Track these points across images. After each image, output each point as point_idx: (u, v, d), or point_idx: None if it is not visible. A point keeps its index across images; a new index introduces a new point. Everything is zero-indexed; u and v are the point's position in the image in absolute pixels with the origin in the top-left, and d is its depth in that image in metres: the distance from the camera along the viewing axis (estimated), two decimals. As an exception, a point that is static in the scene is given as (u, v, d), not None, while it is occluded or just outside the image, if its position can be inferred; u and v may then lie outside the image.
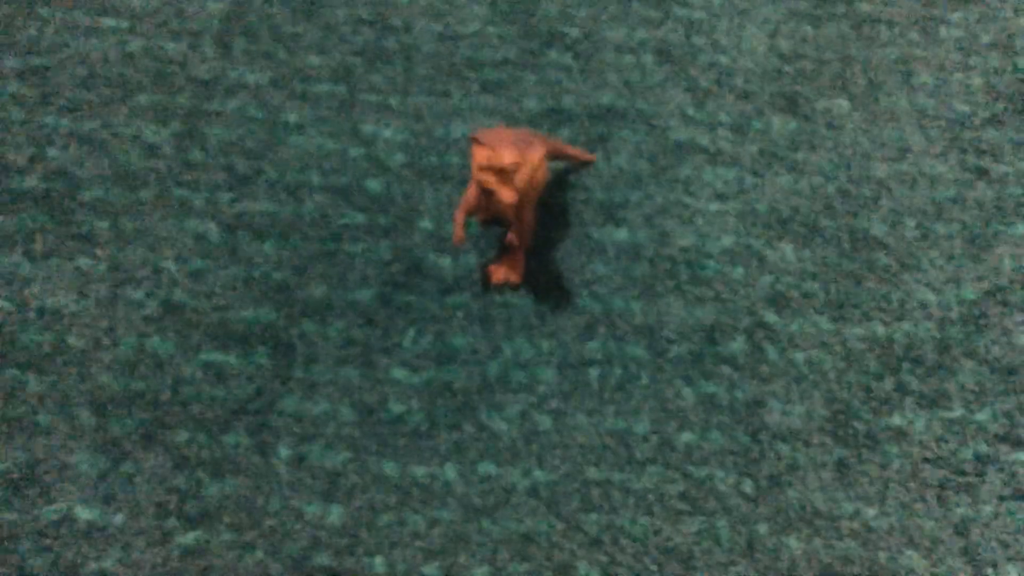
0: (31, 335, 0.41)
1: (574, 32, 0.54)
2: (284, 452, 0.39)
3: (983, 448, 0.40)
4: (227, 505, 0.38)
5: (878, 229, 0.46)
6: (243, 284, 0.44)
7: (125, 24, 0.53)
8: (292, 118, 0.49)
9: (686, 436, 0.40)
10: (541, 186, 0.42)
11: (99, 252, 0.45)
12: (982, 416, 0.41)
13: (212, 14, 0.54)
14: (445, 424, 0.40)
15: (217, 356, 0.41)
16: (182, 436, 0.39)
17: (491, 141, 0.40)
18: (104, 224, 0.46)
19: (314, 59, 0.52)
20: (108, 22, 0.53)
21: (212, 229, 0.45)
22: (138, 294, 0.43)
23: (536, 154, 0.41)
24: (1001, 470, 0.40)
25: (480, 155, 0.39)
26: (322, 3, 0.55)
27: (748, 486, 0.39)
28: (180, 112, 0.49)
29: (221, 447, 0.39)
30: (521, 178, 0.40)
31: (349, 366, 0.41)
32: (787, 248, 0.45)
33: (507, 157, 0.39)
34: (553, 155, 0.46)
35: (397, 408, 0.40)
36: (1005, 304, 0.44)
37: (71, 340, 0.41)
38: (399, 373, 0.41)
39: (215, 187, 0.47)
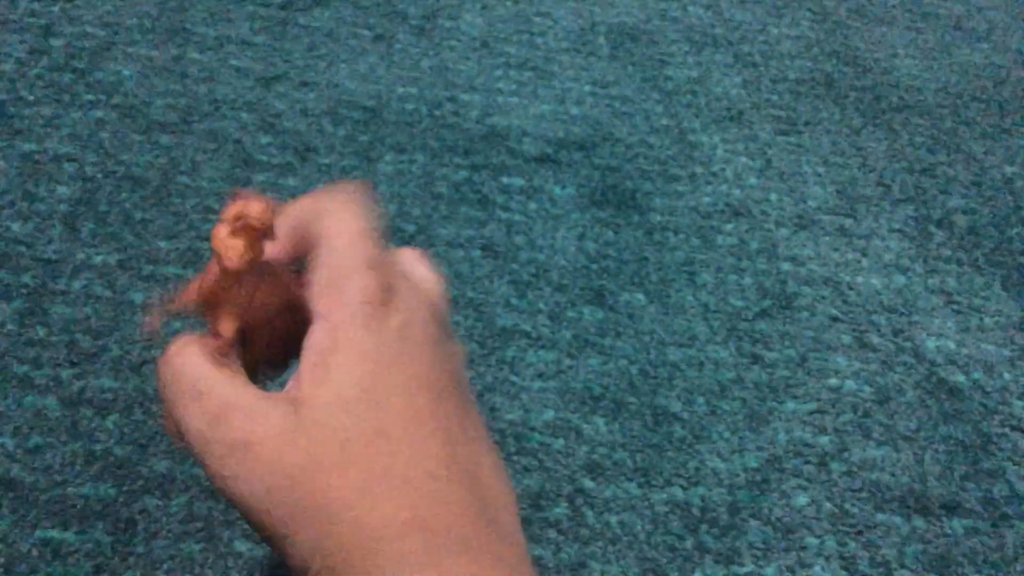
0: None
1: (410, 228, 0.60)
2: (122, 630, 0.39)
3: (771, 598, 0.46)
4: None
5: (674, 405, 0.53)
6: (83, 460, 0.44)
7: (-30, 204, 0.55)
8: (138, 298, 0.51)
9: (516, 597, 0.43)
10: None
11: (-74, 429, 0.44)
12: (769, 571, 0.47)
13: (61, 198, 0.56)
14: (287, 595, 0.41)
15: (54, 533, 0.41)
16: (11, 618, 0.38)
17: None
18: (-69, 400, 0.45)
19: (162, 243, 0.55)
20: (-49, 201, 0.54)
21: (53, 405, 0.46)
22: (-30, 471, 0.43)
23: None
24: (786, 617, 0.46)
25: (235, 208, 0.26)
26: (172, 192, 0.58)
27: (573, 642, 0.43)
28: (24, 290, 0.50)
29: (54, 627, 0.38)
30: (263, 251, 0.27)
31: (191, 540, 0.42)
32: (600, 421, 0.51)
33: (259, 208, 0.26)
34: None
35: (239, 581, 0.41)
36: (782, 471, 0.51)
37: None
38: (242, 546, 0.42)
39: (57, 364, 0.47)
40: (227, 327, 0.28)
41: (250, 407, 0.26)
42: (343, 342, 0.26)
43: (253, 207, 0.26)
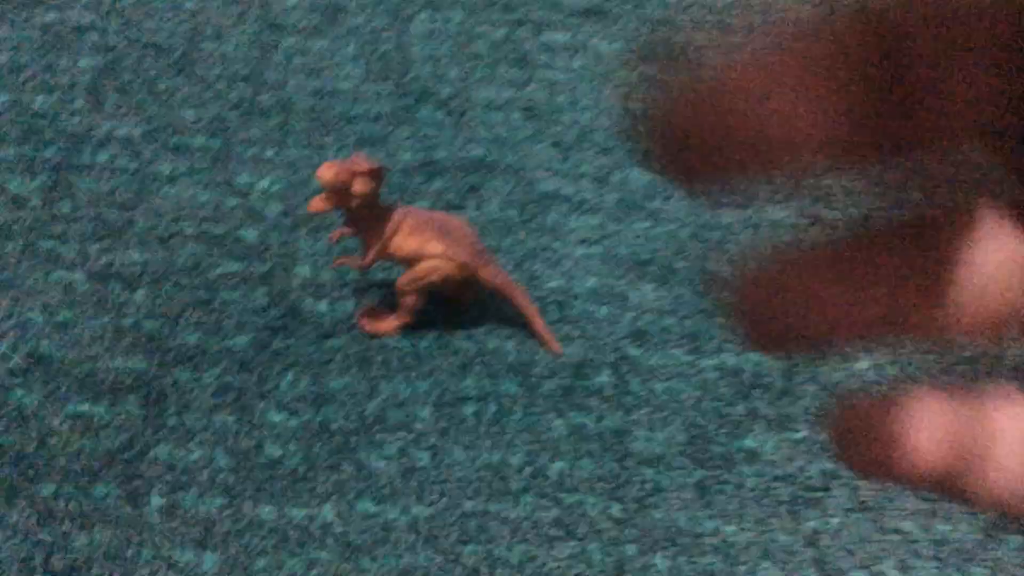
0: None
1: (446, 90, 0.56)
2: (156, 501, 0.39)
3: (828, 465, 0.44)
4: (96, 557, 0.37)
5: (727, 270, 0.50)
6: (113, 334, 0.43)
7: (-10, 78, 0.53)
8: (165, 169, 0.50)
9: (558, 465, 0.42)
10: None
11: (-41, 306, 0.43)
12: (825, 436, 0.45)
13: (83, 69, 0.54)
14: (323, 465, 0.40)
15: (86, 407, 0.41)
16: (48, 489, 0.38)
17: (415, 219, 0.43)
18: (-35, 278, 0.45)
19: (188, 112, 0.52)
20: (-29, 76, 0.53)
21: (80, 279, 0.45)
22: (2, 347, 0.42)
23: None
24: (845, 485, 0.43)
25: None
26: (196, 60, 0.56)
27: (616, 510, 0.41)
28: (48, 165, 0.49)
29: (90, 498, 0.38)
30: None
31: (224, 412, 0.41)
32: (647, 288, 0.48)
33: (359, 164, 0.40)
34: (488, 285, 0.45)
35: (273, 451, 0.40)
36: (843, 336, 0.48)
37: (-72, 394, 0.39)
38: (276, 417, 0.41)
39: (84, 238, 0.46)
40: (367, 257, 0.44)
41: None
42: None
43: (321, 169, 0.39)
